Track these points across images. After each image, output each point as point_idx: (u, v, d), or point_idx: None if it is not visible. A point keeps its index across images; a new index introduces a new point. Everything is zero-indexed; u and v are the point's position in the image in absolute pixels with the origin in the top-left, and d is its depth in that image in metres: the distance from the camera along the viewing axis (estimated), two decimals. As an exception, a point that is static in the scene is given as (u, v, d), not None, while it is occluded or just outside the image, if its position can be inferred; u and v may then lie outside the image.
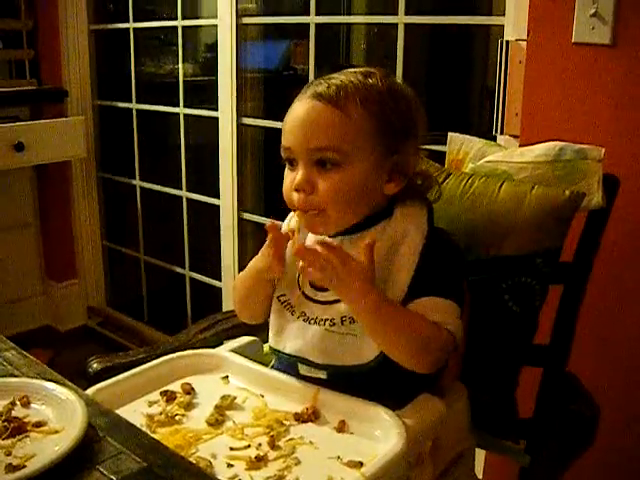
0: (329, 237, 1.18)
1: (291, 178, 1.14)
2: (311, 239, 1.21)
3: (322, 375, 1.15)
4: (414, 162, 1.18)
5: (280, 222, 1.21)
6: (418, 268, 1.12)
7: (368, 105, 1.11)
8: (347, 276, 1.04)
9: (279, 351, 1.20)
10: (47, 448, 0.84)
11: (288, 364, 1.20)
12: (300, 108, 1.13)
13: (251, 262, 1.24)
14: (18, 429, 0.89)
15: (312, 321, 1.15)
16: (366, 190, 1.13)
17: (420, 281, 1.12)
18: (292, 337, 1.17)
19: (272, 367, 1.26)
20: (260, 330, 1.37)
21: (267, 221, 1.18)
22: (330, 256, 1.05)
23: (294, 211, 1.15)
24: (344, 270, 1.04)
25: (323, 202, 1.11)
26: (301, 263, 1.07)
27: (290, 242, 1.17)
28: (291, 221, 1.19)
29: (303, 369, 1.17)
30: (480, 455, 1.76)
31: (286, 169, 1.16)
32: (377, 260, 1.13)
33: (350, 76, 1.13)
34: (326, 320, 1.14)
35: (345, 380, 1.13)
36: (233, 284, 1.29)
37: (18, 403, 0.95)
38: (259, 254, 1.21)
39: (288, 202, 1.16)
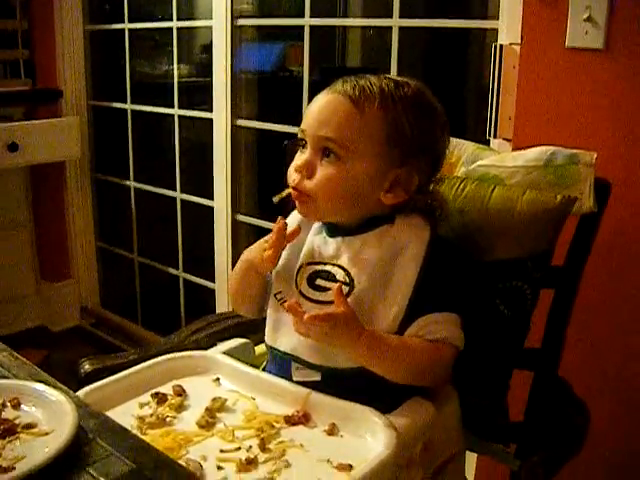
0: (329, 237, 1.20)
1: (297, 159, 1.17)
2: (312, 236, 1.23)
3: (316, 377, 1.15)
4: (424, 181, 1.19)
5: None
6: (420, 279, 1.13)
7: (386, 111, 1.12)
8: (334, 330, 1.06)
9: (274, 348, 1.21)
10: (37, 450, 0.84)
11: (282, 363, 1.20)
12: (322, 97, 1.17)
13: (244, 254, 1.26)
14: (8, 431, 0.89)
15: None
16: (360, 192, 1.14)
17: (423, 294, 1.13)
18: (288, 335, 1.18)
19: (264, 369, 1.26)
20: (252, 332, 1.37)
21: (278, 219, 1.19)
22: (316, 322, 1.06)
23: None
24: (331, 326, 1.06)
25: (314, 189, 1.14)
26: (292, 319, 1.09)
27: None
28: (293, 217, 1.25)
29: (296, 374, 1.17)
30: (471, 458, 1.76)
31: (298, 152, 1.19)
32: (378, 266, 1.15)
33: (383, 81, 1.15)
34: None
35: (338, 382, 1.13)
36: (230, 276, 1.31)
37: (8, 405, 0.95)
38: (254, 246, 1.24)
39: (288, 180, 1.19)
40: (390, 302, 1.13)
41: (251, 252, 1.24)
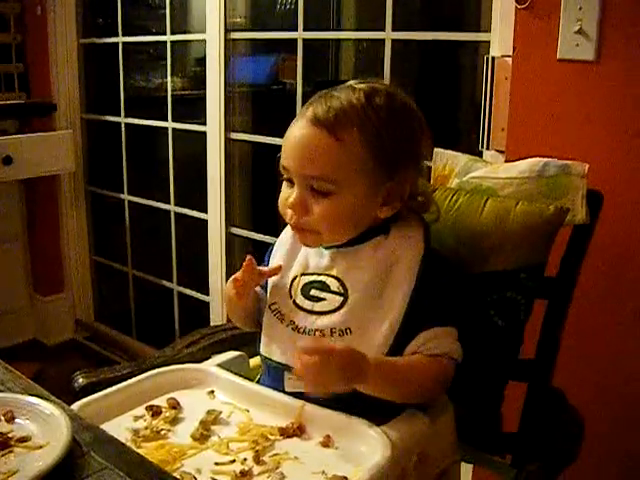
0: (324, 249, 1.20)
1: (287, 194, 1.16)
2: (305, 250, 1.23)
3: (308, 387, 1.16)
4: (414, 185, 1.19)
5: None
6: (415, 291, 1.13)
7: (365, 133, 1.11)
8: (336, 367, 1.04)
9: (268, 359, 1.21)
10: (31, 463, 0.84)
11: (275, 374, 1.20)
12: (298, 131, 1.13)
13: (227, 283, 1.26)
14: (2, 444, 0.89)
15: (301, 330, 1.16)
16: (358, 215, 1.15)
17: (418, 306, 1.13)
18: (281, 345, 1.18)
19: (258, 381, 1.26)
20: (246, 345, 1.37)
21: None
22: (312, 362, 1.04)
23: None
24: (329, 362, 1.04)
25: (316, 225, 1.14)
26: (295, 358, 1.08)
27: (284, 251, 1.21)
28: (286, 233, 1.25)
29: (288, 383, 1.17)
30: (467, 469, 1.76)
31: (284, 183, 1.18)
32: (372, 277, 1.15)
33: (352, 96, 1.13)
34: (315, 331, 1.15)
35: (332, 394, 1.13)
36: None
37: (2, 418, 0.94)
38: (229, 282, 1.24)
39: (283, 215, 1.18)
40: (385, 313, 1.13)
41: (227, 289, 1.25)
